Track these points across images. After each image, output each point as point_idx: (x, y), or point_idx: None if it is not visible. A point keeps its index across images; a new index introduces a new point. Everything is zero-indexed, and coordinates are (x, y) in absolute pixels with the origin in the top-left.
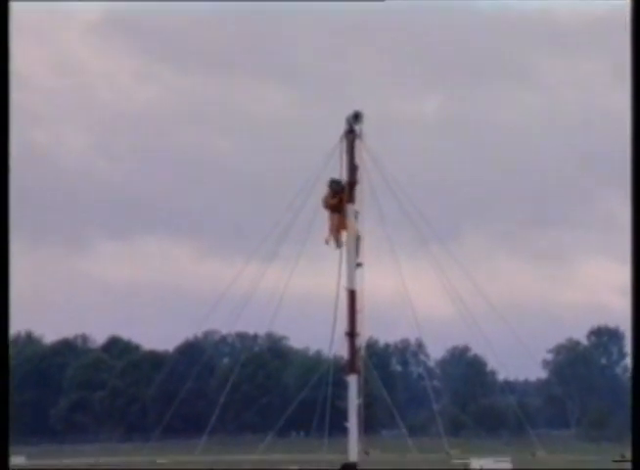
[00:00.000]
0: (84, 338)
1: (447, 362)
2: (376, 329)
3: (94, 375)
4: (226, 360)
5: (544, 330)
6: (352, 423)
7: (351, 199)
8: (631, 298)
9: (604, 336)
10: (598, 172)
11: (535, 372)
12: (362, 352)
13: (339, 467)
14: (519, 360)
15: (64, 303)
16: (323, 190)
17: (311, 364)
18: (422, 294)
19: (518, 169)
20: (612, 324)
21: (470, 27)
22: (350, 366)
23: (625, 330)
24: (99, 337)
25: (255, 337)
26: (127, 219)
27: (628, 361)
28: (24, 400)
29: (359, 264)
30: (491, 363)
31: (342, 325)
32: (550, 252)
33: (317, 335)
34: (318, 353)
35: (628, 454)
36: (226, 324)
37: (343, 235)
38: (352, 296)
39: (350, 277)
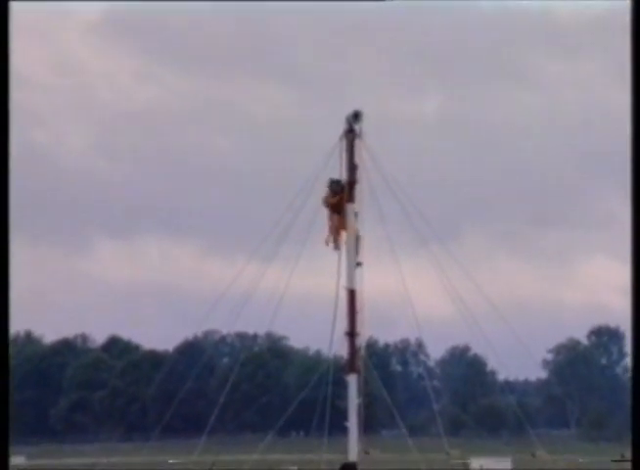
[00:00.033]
0: (84, 338)
1: (447, 362)
2: (376, 329)
3: (94, 375)
4: (226, 360)
5: (544, 330)
6: (352, 423)
7: (351, 198)
8: (631, 298)
9: (604, 336)
10: (598, 172)
11: (535, 372)
12: (362, 352)
13: (338, 467)
14: (519, 360)
15: (64, 302)
16: (323, 190)
17: (311, 364)
18: (422, 294)
19: (518, 169)
20: (612, 324)
21: (469, 28)
22: (350, 366)
23: (625, 330)
24: (99, 337)
25: (255, 337)
26: (127, 219)
27: (628, 361)
28: (24, 400)
29: (359, 264)
30: (491, 363)
31: (342, 325)
32: (550, 252)
33: (317, 335)
34: (318, 353)
35: (628, 454)
36: (226, 324)
37: (343, 235)
38: (352, 295)
39: (350, 277)
